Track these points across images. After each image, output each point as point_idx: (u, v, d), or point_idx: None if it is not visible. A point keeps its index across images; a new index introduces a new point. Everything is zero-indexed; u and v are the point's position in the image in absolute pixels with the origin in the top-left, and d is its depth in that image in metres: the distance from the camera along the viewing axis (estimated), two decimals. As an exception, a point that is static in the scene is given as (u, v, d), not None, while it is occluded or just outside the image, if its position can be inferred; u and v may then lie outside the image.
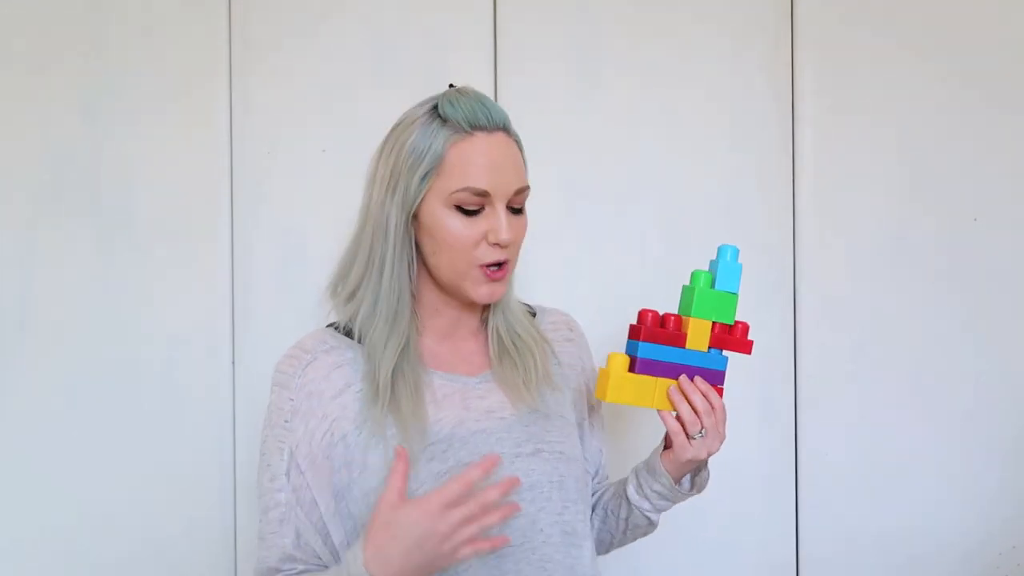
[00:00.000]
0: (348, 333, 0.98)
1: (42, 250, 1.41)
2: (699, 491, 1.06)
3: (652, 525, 1.07)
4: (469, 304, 1.00)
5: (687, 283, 1.01)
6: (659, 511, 1.05)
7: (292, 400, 0.94)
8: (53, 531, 1.41)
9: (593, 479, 1.10)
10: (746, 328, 1.02)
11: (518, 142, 0.97)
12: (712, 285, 0.99)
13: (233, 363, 1.43)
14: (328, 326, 1.02)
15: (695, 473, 1.04)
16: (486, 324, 1.03)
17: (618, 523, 1.08)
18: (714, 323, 1.00)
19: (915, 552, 1.50)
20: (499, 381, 0.99)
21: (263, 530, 0.95)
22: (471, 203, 0.91)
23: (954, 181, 1.49)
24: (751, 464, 1.47)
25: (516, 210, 0.95)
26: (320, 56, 1.44)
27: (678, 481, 1.03)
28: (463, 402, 0.97)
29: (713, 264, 1.01)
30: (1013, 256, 1.50)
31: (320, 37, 1.44)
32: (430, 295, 0.99)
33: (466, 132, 0.91)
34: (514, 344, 1.01)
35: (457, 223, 0.92)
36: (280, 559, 0.93)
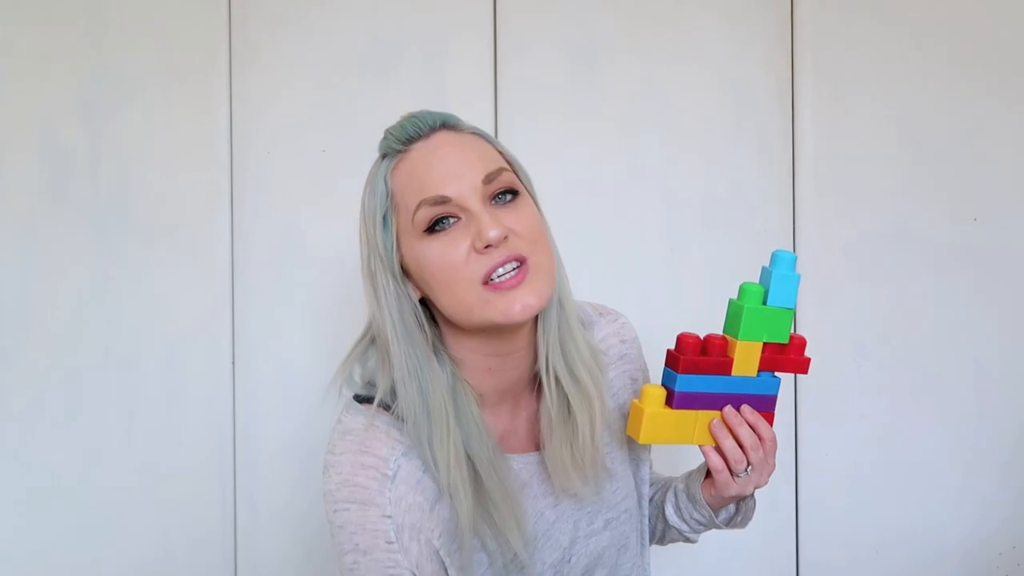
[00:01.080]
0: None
1: (42, 249, 1.41)
2: (744, 523, 0.95)
3: (690, 541, 1.00)
4: (518, 350, 0.85)
5: (734, 297, 0.84)
6: (697, 532, 0.98)
7: (390, 517, 0.78)
8: (52, 531, 1.41)
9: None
10: (802, 344, 0.85)
11: (476, 131, 0.84)
12: (763, 300, 0.82)
13: (233, 363, 1.43)
14: (361, 400, 0.85)
15: (739, 501, 0.94)
16: (535, 371, 0.87)
17: (654, 533, 1.02)
18: (765, 343, 0.84)
19: (915, 552, 1.50)
20: (552, 461, 0.86)
21: None
22: (436, 215, 0.77)
23: (954, 179, 1.49)
24: (751, 464, 1.47)
25: (507, 197, 0.80)
26: (320, 56, 1.44)
27: (719, 510, 0.94)
28: (539, 486, 0.87)
29: (765, 272, 0.83)
30: (1013, 255, 1.50)
31: (320, 37, 1.44)
32: (472, 355, 0.84)
33: (401, 152, 0.81)
34: (568, 404, 0.85)
35: (434, 247, 0.78)
36: None
